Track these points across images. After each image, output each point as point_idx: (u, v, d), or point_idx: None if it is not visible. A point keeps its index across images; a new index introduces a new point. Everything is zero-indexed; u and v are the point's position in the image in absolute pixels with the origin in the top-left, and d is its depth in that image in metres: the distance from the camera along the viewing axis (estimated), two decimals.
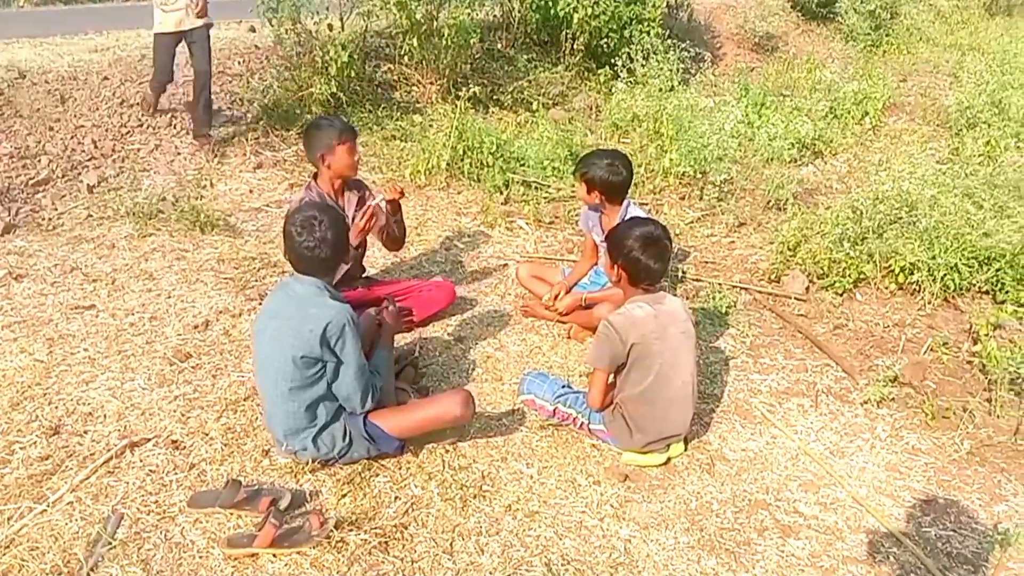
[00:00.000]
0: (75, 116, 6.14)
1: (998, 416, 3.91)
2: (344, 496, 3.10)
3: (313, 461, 3.18)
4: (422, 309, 4.32)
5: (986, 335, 4.35)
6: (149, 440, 3.36)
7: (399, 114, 7.60)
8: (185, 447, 3.34)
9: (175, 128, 6.50)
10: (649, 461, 3.40)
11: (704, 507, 3.21)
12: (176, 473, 3.19)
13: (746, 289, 5.06)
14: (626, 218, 3.90)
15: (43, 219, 5.31)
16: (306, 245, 2.99)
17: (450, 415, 3.19)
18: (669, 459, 3.44)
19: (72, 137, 5.99)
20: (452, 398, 3.24)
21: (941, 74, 11.80)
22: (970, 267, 4.88)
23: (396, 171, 6.59)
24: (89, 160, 5.92)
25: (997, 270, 4.87)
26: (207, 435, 3.42)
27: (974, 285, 4.94)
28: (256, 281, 4.73)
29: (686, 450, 3.52)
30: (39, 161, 5.69)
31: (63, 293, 4.51)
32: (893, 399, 4.00)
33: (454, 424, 3.28)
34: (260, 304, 4.32)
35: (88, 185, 5.70)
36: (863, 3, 13.30)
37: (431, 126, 7.42)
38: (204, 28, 6.15)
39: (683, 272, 5.18)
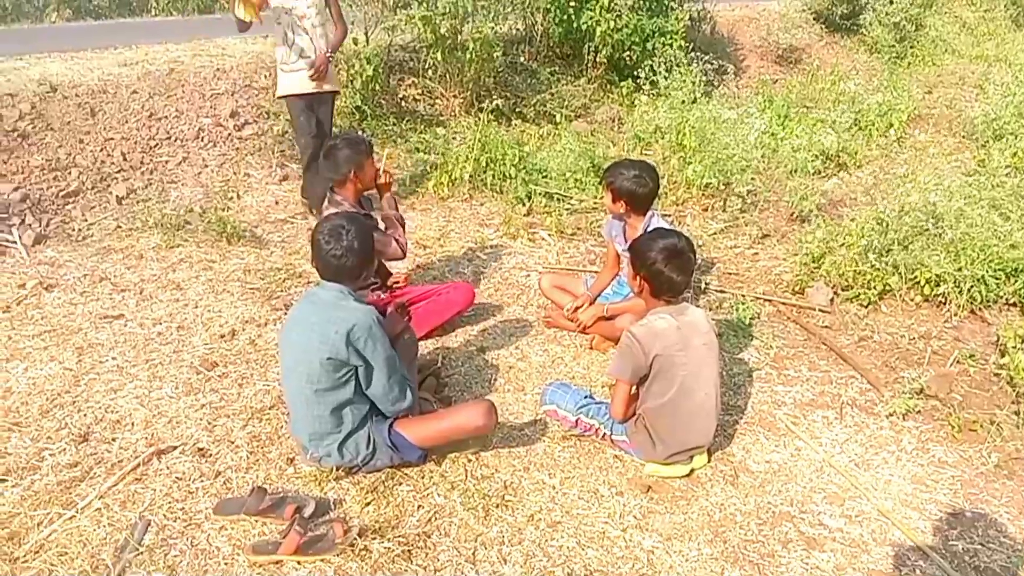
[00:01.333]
0: (105, 129, 6.25)
1: None
2: (368, 504, 3.12)
3: (337, 469, 3.20)
4: (442, 311, 4.40)
5: (1014, 347, 4.30)
6: (176, 448, 3.40)
7: (423, 127, 7.66)
8: (211, 455, 3.38)
9: (202, 141, 6.59)
10: (672, 472, 3.39)
11: (728, 519, 3.20)
12: (202, 480, 3.22)
13: (770, 301, 5.03)
14: (649, 229, 3.90)
15: (73, 230, 5.40)
16: (333, 253, 3.03)
17: (472, 425, 3.20)
18: (692, 471, 3.42)
19: (102, 150, 6.10)
20: (475, 408, 3.24)
21: (967, 86, 11.70)
22: (997, 279, 4.82)
23: (419, 182, 6.65)
24: (118, 172, 6.02)
25: None
26: (233, 443, 3.45)
27: (1001, 297, 4.88)
28: (282, 291, 4.79)
29: (709, 462, 3.50)
30: (69, 173, 5.79)
31: (92, 303, 4.58)
32: (919, 411, 3.96)
33: (476, 434, 3.29)
34: (286, 314, 4.37)
35: (117, 197, 5.79)
36: (888, 15, 13.24)
37: (454, 139, 7.48)
38: (331, 96, 5.71)
39: (706, 284, 5.17)
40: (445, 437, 3.26)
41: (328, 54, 5.44)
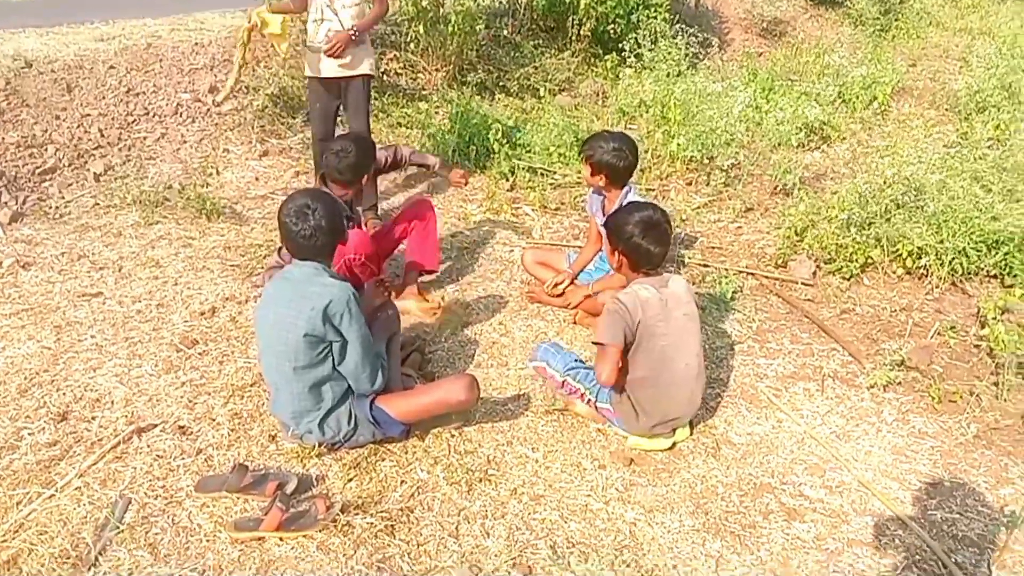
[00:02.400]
0: (81, 105, 6.14)
1: (1005, 400, 3.90)
2: (350, 480, 3.11)
3: (319, 445, 3.19)
4: (424, 239, 4.50)
5: (994, 319, 4.33)
6: (156, 426, 3.38)
7: (405, 101, 7.58)
8: (192, 432, 3.36)
9: (181, 116, 6.50)
10: (655, 446, 3.40)
11: (709, 491, 3.22)
12: (183, 458, 3.21)
13: (753, 274, 5.04)
14: (624, 203, 3.88)
15: (50, 207, 5.32)
16: (302, 234, 2.98)
17: (455, 399, 3.19)
18: (675, 444, 3.44)
19: (79, 126, 6.00)
20: (457, 382, 3.24)
21: (951, 58, 11.70)
22: (978, 251, 4.85)
23: None
24: (96, 149, 5.93)
25: (1005, 254, 4.85)
26: (214, 420, 3.43)
27: (982, 269, 4.92)
28: (262, 268, 4.74)
29: (691, 434, 3.52)
30: (46, 150, 5.70)
31: (70, 281, 4.52)
32: (900, 383, 3.99)
33: (459, 408, 3.29)
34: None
35: (95, 173, 5.71)
36: None
37: (437, 113, 7.41)
38: (360, 81, 5.03)
39: (689, 258, 5.17)
40: (427, 412, 3.25)
41: (352, 32, 4.78)
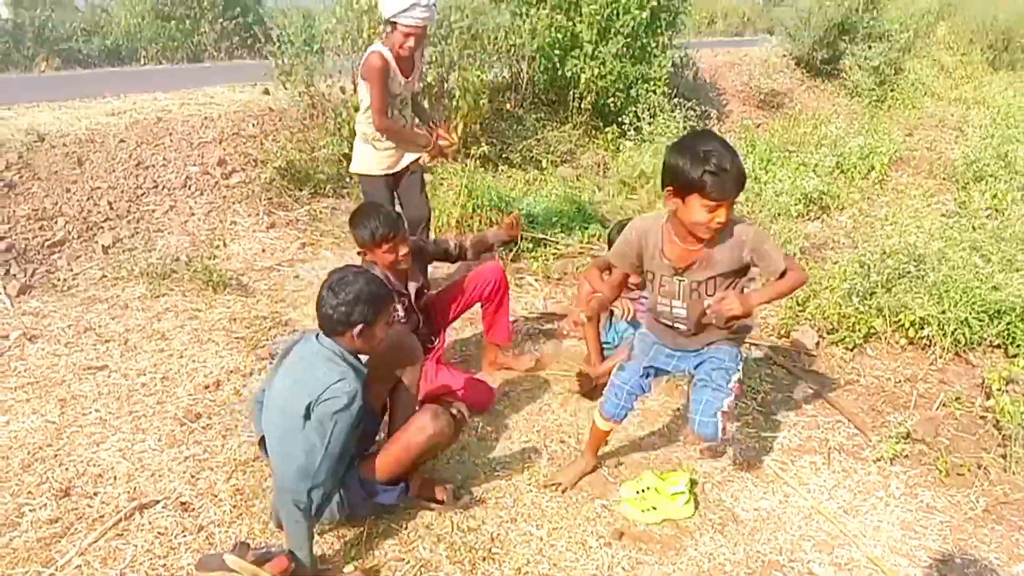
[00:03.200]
0: (91, 178, 6.26)
1: (1014, 472, 3.86)
2: (352, 559, 3.08)
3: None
4: (494, 318, 4.49)
5: (999, 390, 4.33)
6: (158, 502, 3.36)
7: None
8: (194, 509, 3.34)
9: (189, 189, 6.61)
10: (648, 518, 3.37)
11: (717, 569, 3.17)
12: (184, 536, 3.18)
13: (756, 345, 5.05)
14: None
15: (58, 280, 5.38)
16: (329, 304, 2.89)
17: (424, 436, 3.08)
18: (665, 520, 3.39)
19: (88, 199, 6.11)
20: (419, 418, 3.12)
21: (947, 128, 11.93)
22: (980, 321, 4.86)
23: None
24: (104, 221, 6.02)
25: (1008, 324, 4.85)
26: (216, 496, 3.41)
27: (985, 339, 4.92)
28: (267, 340, 4.77)
29: (697, 511, 3.48)
30: (56, 222, 5.79)
31: (76, 354, 4.55)
32: (906, 456, 3.96)
33: (437, 442, 3.16)
34: (270, 363, 4.37)
35: (103, 246, 5.79)
36: (867, 59, 13.51)
37: (442, 184, 7.52)
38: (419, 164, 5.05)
39: None
40: (404, 460, 3.12)
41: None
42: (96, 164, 6.40)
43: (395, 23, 4.46)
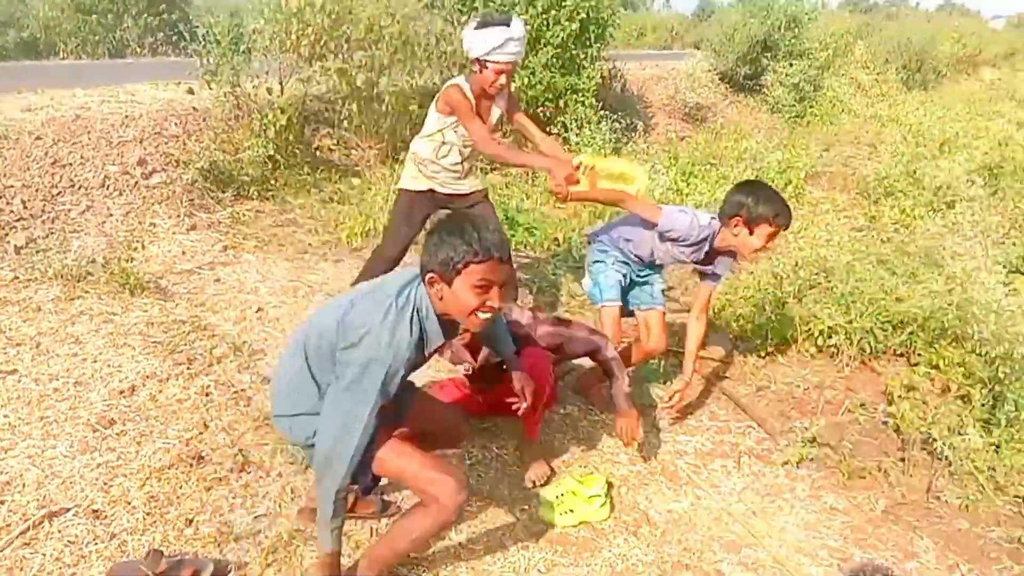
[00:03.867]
0: (4, 176, 6.05)
1: (911, 475, 4.07)
2: (269, 566, 3.07)
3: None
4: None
5: (900, 397, 4.55)
6: (69, 510, 3.28)
7: (337, 176, 7.68)
8: (106, 516, 3.27)
9: (108, 189, 6.45)
10: (565, 521, 3.45)
11: (629, 570, 3.26)
12: (96, 544, 3.12)
13: (672, 352, 5.19)
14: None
15: None
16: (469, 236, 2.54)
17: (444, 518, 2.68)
18: (581, 523, 3.48)
19: (0, 197, 5.90)
20: (443, 489, 2.63)
21: (861, 144, 12.42)
22: (885, 331, 5.10)
23: (332, 233, 6.65)
24: (18, 221, 5.82)
25: (910, 333, 5.10)
26: (129, 504, 3.35)
27: (889, 348, 5.16)
28: (185, 345, 4.69)
29: (613, 512, 3.58)
30: None
31: None
32: (812, 459, 4.14)
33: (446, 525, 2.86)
34: (188, 368, 4.31)
35: (16, 246, 5.60)
36: (788, 76, 13.98)
37: (369, 189, 7.52)
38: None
39: None
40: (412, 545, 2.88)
41: None
42: (9, 162, 6.19)
43: (485, 61, 4.15)
